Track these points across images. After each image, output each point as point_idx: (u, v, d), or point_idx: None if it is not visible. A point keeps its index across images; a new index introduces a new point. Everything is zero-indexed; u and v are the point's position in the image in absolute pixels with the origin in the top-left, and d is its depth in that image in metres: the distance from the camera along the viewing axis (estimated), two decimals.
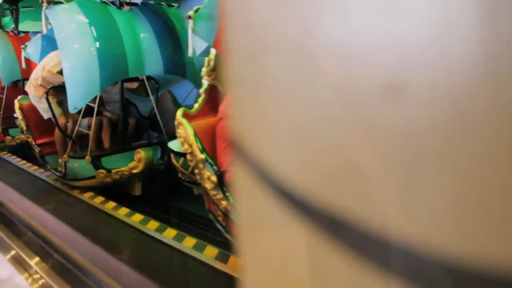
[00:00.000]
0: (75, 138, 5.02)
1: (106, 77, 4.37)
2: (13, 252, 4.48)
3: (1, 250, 4.52)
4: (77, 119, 4.92)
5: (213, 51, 3.23)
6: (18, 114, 5.69)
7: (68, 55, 4.31)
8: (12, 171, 6.03)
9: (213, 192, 2.88)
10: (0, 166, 6.26)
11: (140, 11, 5.04)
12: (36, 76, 5.21)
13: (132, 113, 5.79)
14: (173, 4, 5.39)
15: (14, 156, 6.78)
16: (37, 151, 5.48)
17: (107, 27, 4.49)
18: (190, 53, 3.40)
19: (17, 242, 4.69)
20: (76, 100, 4.30)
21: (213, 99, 3.39)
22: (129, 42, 4.62)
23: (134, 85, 5.55)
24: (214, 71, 3.29)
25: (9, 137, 7.11)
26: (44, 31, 4.50)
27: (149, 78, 5.06)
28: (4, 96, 7.11)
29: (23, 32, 7.45)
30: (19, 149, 7.14)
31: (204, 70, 3.31)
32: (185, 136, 2.99)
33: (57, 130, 5.24)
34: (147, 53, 4.81)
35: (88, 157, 4.76)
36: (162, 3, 5.25)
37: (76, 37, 4.30)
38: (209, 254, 3.23)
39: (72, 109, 4.31)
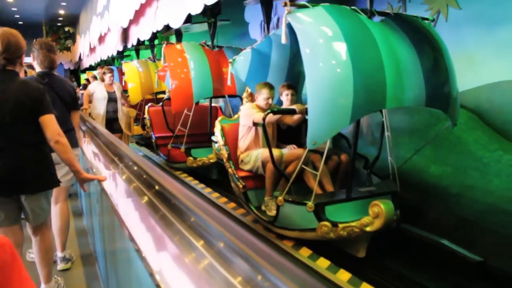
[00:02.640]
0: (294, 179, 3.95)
1: (359, 106, 3.19)
2: None
3: None
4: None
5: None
6: (218, 135, 4.77)
7: (314, 76, 3.23)
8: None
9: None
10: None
11: (395, 23, 3.72)
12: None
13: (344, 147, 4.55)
14: (427, 17, 3.89)
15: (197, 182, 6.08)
16: (241, 186, 4.39)
17: (364, 42, 3.34)
18: None
19: None
20: (318, 133, 3.23)
21: None
22: (389, 62, 3.36)
23: None
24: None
25: (190, 158, 6.38)
26: (284, 41, 3.60)
27: None
28: (191, 114, 6.53)
29: (218, 46, 6.78)
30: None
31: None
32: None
33: (270, 165, 4.15)
34: (407, 77, 3.51)
35: (310, 204, 3.67)
36: (416, 15, 3.78)
37: (326, 53, 3.23)
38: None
39: (310, 145, 3.22)
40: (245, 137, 4.60)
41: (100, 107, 7.20)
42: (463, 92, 4.27)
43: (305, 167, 3.95)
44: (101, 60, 14.60)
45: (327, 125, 3.26)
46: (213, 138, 4.92)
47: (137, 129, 9.65)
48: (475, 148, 4.33)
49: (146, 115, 7.63)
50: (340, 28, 3.30)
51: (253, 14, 8.60)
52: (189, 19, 6.99)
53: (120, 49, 11.21)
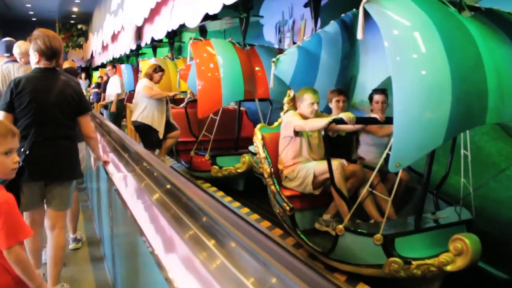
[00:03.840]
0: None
1: (457, 120, 2.49)
2: None
3: None
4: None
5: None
6: (258, 146, 4.02)
7: (402, 81, 2.53)
8: None
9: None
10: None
11: (489, 20, 2.95)
12: None
13: None
14: None
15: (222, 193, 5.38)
16: (288, 208, 3.59)
17: (461, 38, 2.62)
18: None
19: None
20: (404, 153, 2.55)
21: None
22: (489, 64, 2.61)
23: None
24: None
25: (216, 167, 5.60)
26: (361, 36, 2.63)
27: None
28: (217, 118, 5.80)
29: (249, 45, 5.97)
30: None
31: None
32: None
33: (338, 175, 3.42)
34: (508, 84, 2.73)
35: (379, 236, 2.91)
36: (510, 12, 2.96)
37: (418, 52, 2.52)
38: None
39: (393, 167, 2.55)
40: (287, 150, 3.84)
41: (161, 108, 5.87)
42: None
43: (376, 192, 3.19)
44: (113, 58, 13.94)
45: (416, 143, 2.55)
46: (251, 148, 4.20)
47: None
48: (498, 159, 3.94)
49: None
50: (432, 21, 2.57)
51: (267, 16, 8.22)
52: (215, 15, 6.14)
53: (134, 47, 10.65)
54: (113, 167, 3.30)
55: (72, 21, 22.38)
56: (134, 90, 11.00)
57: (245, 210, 4.79)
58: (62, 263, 3.18)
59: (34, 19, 20.81)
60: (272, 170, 3.77)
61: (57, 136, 2.92)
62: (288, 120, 3.79)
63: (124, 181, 2.95)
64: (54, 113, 2.87)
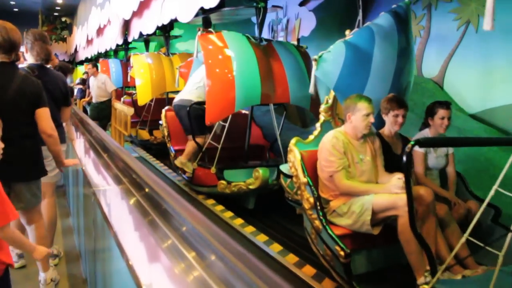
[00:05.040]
0: None
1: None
2: None
3: None
4: None
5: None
6: (297, 167, 3.09)
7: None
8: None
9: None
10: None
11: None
12: None
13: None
14: None
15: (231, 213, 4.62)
16: (342, 253, 2.62)
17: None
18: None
19: None
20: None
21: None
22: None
23: None
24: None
25: (223, 182, 4.69)
26: (489, 26, 1.68)
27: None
28: (226, 124, 4.94)
29: (265, 39, 5.10)
30: None
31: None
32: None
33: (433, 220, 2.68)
34: None
35: None
36: None
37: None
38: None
39: None
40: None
41: None
42: (493, 109, 4.24)
43: (473, 239, 2.27)
44: (98, 53, 12.80)
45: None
46: (283, 169, 3.26)
47: (143, 134, 7.86)
48: (509, 170, 3.18)
49: (162, 121, 5.80)
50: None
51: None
52: (222, 4, 5.16)
53: (120, 42, 9.68)
54: (95, 173, 3.03)
55: (56, 13, 20.97)
56: (122, 87, 10.28)
57: (262, 237, 3.88)
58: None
59: (16, 9, 19.40)
60: (317, 202, 2.82)
61: (15, 135, 2.69)
62: (326, 157, 2.87)
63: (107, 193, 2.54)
64: (11, 112, 2.65)
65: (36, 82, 2.83)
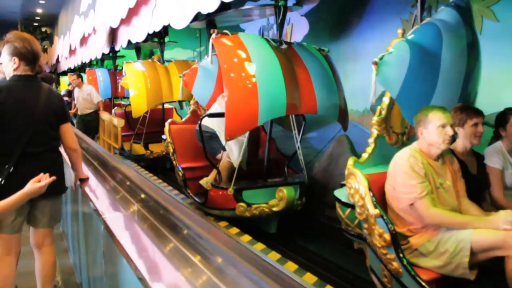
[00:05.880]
0: None
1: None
2: None
3: None
4: None
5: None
6: (364, 194, 2.42)
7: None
8: None
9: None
10: None
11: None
12: None
13: None
14: None
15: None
16: None
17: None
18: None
19: None
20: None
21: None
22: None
23: None
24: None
25: (242, 205, 4.05)
26: None
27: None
28: (245, 139, 4.25)
29: (286, 42, 4.43)
30: None
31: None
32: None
33: None
34: None
35: None
36: None
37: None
38: None
39: None
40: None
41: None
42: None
43: None
44: (82, 63, 12.08)
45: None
46: (338, 194, 2.66)
47: (138, 148, 7.16)
48: None
49: (166, 136, 5.16)
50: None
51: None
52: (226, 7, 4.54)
53: (107, 51, 9.12)
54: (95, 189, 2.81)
55: (36, 23, 20.26)
56: (110, 98, 9.57)
57: (312, 278, 3.20)
58: (54, 282, 2.95)
59: None
60: (396, 240, 2.21)
61: (45, 149, 2.66)
62: (406, 183, 2.28)
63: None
64: (42, 126, 2.62)
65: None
